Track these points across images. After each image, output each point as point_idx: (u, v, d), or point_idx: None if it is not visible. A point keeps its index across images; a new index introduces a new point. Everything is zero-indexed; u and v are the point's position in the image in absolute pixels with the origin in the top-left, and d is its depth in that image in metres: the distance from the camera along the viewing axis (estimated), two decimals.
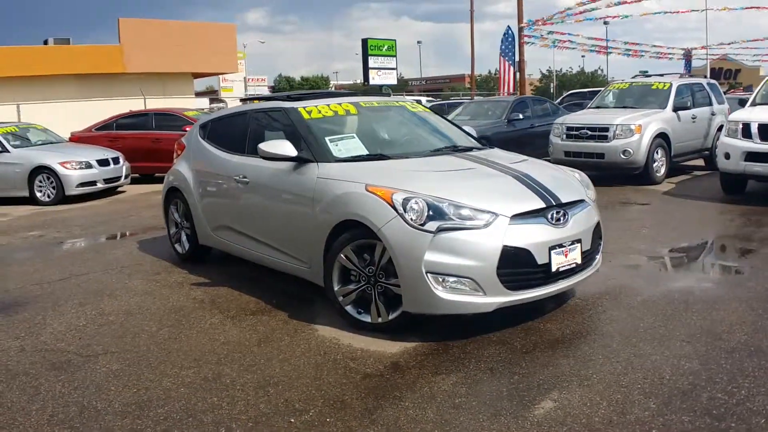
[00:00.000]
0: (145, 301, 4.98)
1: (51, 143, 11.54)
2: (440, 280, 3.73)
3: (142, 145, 12.88)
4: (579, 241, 4.07)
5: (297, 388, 3.37)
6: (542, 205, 3.99)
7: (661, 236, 6.50)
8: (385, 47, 40.43)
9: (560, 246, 3.94)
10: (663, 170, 9.74)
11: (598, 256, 4.42)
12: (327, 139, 4.67)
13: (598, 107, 10.89)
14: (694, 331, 3.87)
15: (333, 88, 70.96)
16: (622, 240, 6.31)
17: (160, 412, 3.18)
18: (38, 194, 10.37)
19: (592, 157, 9.74)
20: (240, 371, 3.60)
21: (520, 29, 21.96)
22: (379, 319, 4.01)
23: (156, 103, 28.04)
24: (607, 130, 9.54)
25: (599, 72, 57.21)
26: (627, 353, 3.59)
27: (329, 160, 4.48)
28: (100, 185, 10.78)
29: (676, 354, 3.55)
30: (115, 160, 11.25)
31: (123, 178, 11.46)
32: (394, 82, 40.48)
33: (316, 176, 4.40)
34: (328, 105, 5.02)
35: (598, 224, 4.37)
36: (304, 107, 4.95)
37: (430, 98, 29.11)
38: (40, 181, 10.32)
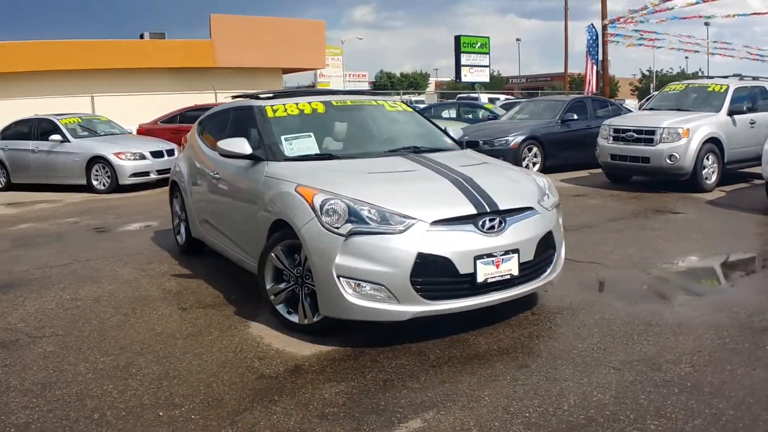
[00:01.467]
0: (119, 289, 5.20)
1: (112, 134, 12.29)
2: (353, 285, 3.62)
3: None
4: (516, 251, 3.80)
5: (190, 383, 3.39)
6: (473, 211, 3.76)
7: (675, 249, 5.96)
8: (478, 44, 39.96)
9: (489, 255, 3.70)
10: (714, 177, 8.93)
11: (549, 268, 4.11)
12: (283, 137, 4.66)
13: (651, 109, 10.16)
14: (633, 358, 3.51)
15: (433, 85, 70.84)
16: (628, 251, 5.86)
17: (57, 393, 3.31)
18: (94, 182, 11.09)
19: (637, 161, 9.10)
20: (151, 362, 3.68)
21: (604, 27, 20.89)
22: (306, 321, 3.95)
23: None
24: (653, 133, 8.87)
25: (699, 73, 53.51)
26: (540, 376, 3.32)
27: (278, 159, 4.48)
28: (153, 176, 11.35)
29: (595, 382, 3.24)
30: (170, 152, 11.79)
31: None
32: (486, 79, 39.96)
33: (264, 175, 4.40)
34: (297, 104, 5.01)
35: (549, 234, 4.06)
36: (272, 105, 4.96)
37: (508, 97, 28.36)
38: (97, 171, 11.02)
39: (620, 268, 5.35)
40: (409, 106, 5.70)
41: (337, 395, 3.18)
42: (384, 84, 65.72)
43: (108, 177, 11.03)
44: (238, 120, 5.32)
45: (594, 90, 21.49)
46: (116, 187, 11.00)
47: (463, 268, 3.63)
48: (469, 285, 3.68)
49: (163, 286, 5.22)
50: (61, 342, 4.05)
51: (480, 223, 3.74)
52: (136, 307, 4.69)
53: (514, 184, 4.24)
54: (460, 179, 4.03)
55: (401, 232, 3.60)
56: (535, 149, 11.41)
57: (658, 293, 4.70)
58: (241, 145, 4.59)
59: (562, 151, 11.57)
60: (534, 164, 11.46)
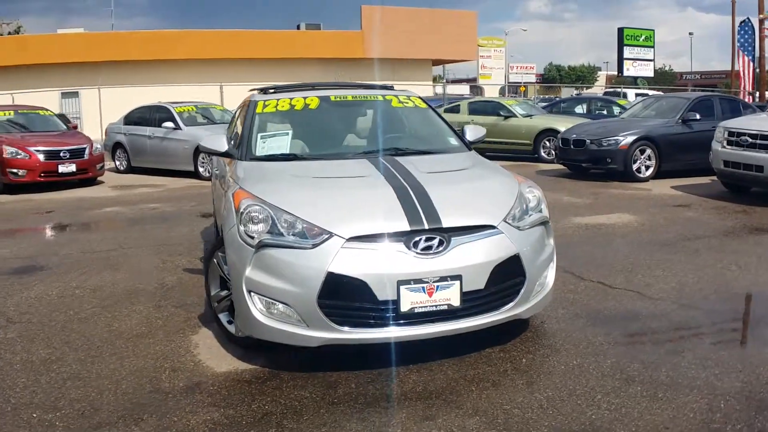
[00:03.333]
0: (124, 279, 5.29)
1: (225, 123, 12.80)
2: (264, 302, 3.29)
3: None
4: (458, 277, 3.22)
5: (88, 387, 3.29)
6: (406, 227, 3.24)
7: (741, 281, 4.82)
8: (642, 37, 37.12)
9: (419, 281, 3.16)
10: None
11: (513, 300, 3.43)
12: (260, 135, 4.42)
13: None
14: (572, 427, 2.79)
15: (603, 78, 66.49)
16: (684, 279, 4.86)
17: None
18: (200, 170, 11.64)
19: (750, 169, 7.63)
20: (76, 361, 3.64)
21: (760, 21, 18.06)
22: (239, 333, 3.69)
23: None
24: None
25: None
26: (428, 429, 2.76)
27: (245, 158, 4.25)
28: None
29: None
30: None
31: None
32: (650, 74, 36.90)
33: (229, 173, 4.20)
34: (291, 98, 4.74)
35: (514, 258, 3.38)
36: (265, 100, 4.74)
37: (656, 92, 25.64)
38: (203, 158, 11.56)
39: (658, 300, 4.42)
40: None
41: (203, 423, 2.89)
42: (553, 77, 63.55)
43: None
44: (242, 115, 5.18)
45: (749, 88, 18.77)
46: None
47: (383, 294, 3.14)
48: (392, 314, 3.17)
49: (163, 281, 5.24)
50: (26, 330, 4.17)
51: (413, 241, 3.21)
52: (120, 301, 4.73)
53: (479, 197, 3.61)
54: (409, 188, 3.50)
55: (313, 247, 3.19)
56: (648, 151, 10.07)
57: (678, 338, 3.78)
58: (218, 142, 4.42)
59: (681, 154, 10.10)
60: (647, 168, 10.13)
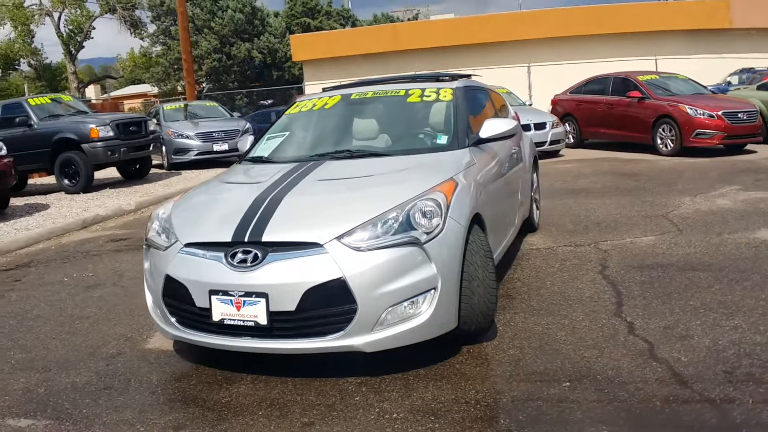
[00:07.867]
0: None
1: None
2: (151, 296, 3.72)
3: (596, 110, 12.81)
4: (264, 295, 3.10)
5: (62, 343, 4.14)
6: (228, 239, 3.28)
7: None
8: None
9: (226, 293, 3.18)
10: None
11: (344, 328, 3.07)
12: (268, 136, 4.77)
13: None
14: None
15: None
16: (762, 334, 3.38)
17: None
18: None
19: None
20: (88, 321, 4.54)
21: None
22: None
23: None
24: None
25: None
26: None
27: (240, 159, 4.69)
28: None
29: None
30: (539, 126, 11.82)
31: (547, 144, 11.89)
32: None
33: None
34: (320, 97, 4.91)
35: (335, 283, 3.05)
36: (301, 100, 5.02)
37: None
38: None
39: (656, 363, 3.20)
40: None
41: (64, 384, 3.49)
42: None
43: None
44: None
45: None
46: None
47: (200, 301, 3.28)
48: (207, 321, 3.27)
49: None
50: (110, 292, 5.24)
51: (231, 253, 3.24)
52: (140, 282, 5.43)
53: (332, 211, 3.32)
54: (268, 199, 3.51)
55: (165, 249, 3.51)
56: None
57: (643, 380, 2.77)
58: (243, 143, 4.91)
59: None
60: None
